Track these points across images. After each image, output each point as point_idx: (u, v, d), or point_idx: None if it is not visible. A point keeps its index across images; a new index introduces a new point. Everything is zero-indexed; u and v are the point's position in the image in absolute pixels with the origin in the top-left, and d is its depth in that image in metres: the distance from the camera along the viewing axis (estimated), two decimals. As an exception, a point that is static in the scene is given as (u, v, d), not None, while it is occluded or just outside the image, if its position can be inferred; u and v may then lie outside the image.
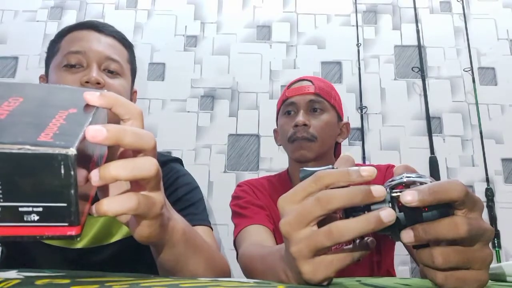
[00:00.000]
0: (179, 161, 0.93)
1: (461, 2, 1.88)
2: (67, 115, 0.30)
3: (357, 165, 0.37)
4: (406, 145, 1.73)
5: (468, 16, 1.89)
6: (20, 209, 0.27)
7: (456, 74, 1.82)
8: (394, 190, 0.34)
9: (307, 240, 0.34)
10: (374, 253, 0.94)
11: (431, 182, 0.34)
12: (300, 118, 0.97)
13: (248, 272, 0.73)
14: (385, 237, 0.36)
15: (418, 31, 1.86)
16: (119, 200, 0.33)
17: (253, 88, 1.82)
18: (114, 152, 0.38)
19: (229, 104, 1.80)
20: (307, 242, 0.34)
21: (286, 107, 1.02)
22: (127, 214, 0.40)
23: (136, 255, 0.76)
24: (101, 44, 0.80)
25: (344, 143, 1.31)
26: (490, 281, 0.44)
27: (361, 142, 1.71)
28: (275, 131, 1.11)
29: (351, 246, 0.36)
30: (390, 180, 0.35)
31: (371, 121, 1.77)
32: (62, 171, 0.26)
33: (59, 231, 0.28)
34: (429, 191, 0.32)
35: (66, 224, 0.28)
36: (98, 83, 0.76)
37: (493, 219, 1.59)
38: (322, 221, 0.34)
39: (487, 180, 1.65)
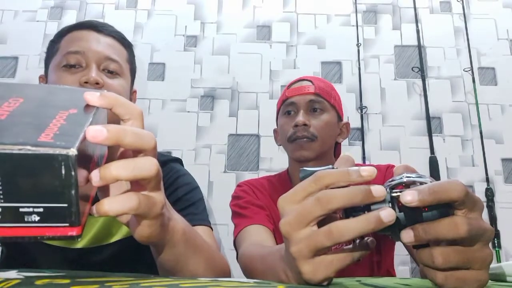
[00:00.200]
0: (179, 161, 0.93)
1: (461, 2, 1.88)
2: (67, 115, 0.30)
3: (357, 165, 0.37)
4: (406, 145, 1.73)
5: (468, 16, 1.89)
6: (21, 209, 0.27)
7: (456, 74, 1.82)
8: (394, 190, 0.34)
9: (307, 240, 0.34)
10: (374, 253, 0.94)
11: (431, 182, 0.34)
12: (300, 118, 0.97)
13: (248, 272, 0.73)
14: (385, 237, 0.36)
15: (418, 31, 1.86)
16: (120, 200, 0.33)
17: (253, 88, 1.82)
18: (114, 152, 0.38)
19: (229, 104, 1.80)
20: (307, 242, 0.34)
21: (286, 107, 1.02)
22: (128, 214, 0.40)
23: (136, 255, 0.76)
24: (100, 44, 0.80)
25: (344, 143, 1.31)
26: (490, 281, 0.44)
27: (361, 142, 1.71)
28: (275, 131, 1.11)
29: (351, 246, 0.36)
30: (390, 180, 0.35)
31: (371, 121, 1.77)
32: (63, 172, 0.26)
33: (60, 231, 0.28)
34: (429, 191, 0.32)
35: (67, 224, 0.28)
36: (97, 83, 0.76)
37: (493, 219, 1.59)
38: (322, 221, 0.34)
39: (487, 180, 1.65)
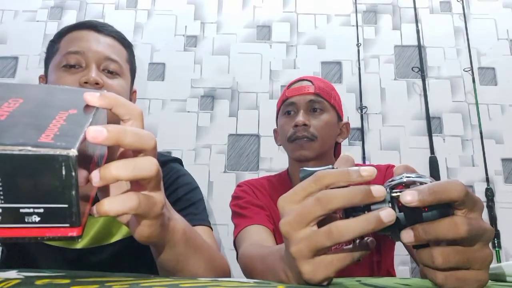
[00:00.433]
0: (179, 161, 0.93)
1: (461, 2, 1.88)
2: (67, 116, 0.30)
3: (357, 165, 0.37)
4: (406, 145, 1.73)
5: (468, 16, 1.89)
6: (21, 210, 0.27)
7: (456, 74, 1.82)
8: (394, 190, 0.34)
9: (307, 240, 0.34)
10: (374, 253, 0.94)
11: (431, 182, 0.34)
12: (300, 118, 0.97)
13: (248, 272, 0.73)
14: (385, 237, 0.36)
15: (418, 31, 1.86)
16: (120, 200, 0.33)
17: (253, 88, 1.82)
18: (114, 152, 0.38)
19: (229, 104, 1.80)
20: (307, 242, 0.34)
21: (286, 107, 1.02)
22: (128, 214, 0.40)
23: (136, 255, 0.76)
24: (100, 44, 0.80)
25: (344, 143, 1.31)
26: (490, 281, 0.44)
27: (361, 142, 1.71)
28: (275, 131, 1.11)
29: (351, 246, 0.36)
30: (390, 180, 0.35)
31: (371, 121, 1.77)
32: (63, 172, 0.26)
33: (60, 232, 0.28)
34: (429, 191, 0.32)
35: (67, 225, 0.28)
36: (97, 84, 0.76)
37: (493, 219, 1.59)
38: (322, 221, 0.34)
39: (487, 180, 1.65)
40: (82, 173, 0.28)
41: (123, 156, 0.37)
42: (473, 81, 1.77)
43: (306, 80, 1.03)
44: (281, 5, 1.96)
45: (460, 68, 1.82)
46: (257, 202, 0.97)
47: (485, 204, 1.61)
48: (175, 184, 0.83)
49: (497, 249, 1.54)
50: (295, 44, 1.90)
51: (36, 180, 0.26)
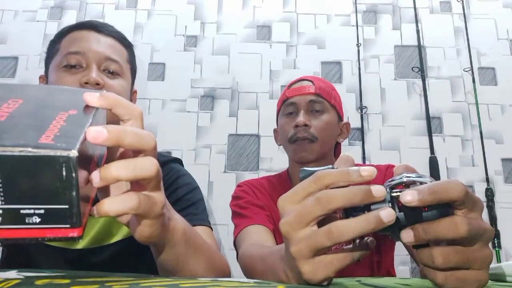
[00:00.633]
0: (179, 161, 0.93)
1: (461, 2, 1.88)
2: (67, 116, 0.30)
3: (357, 165, 0.37)
4: (406, 145, 1.73)
5: (468, 16, 1.89)
6: (22, 211, 0.27)
7: (456, 74, 1.82)
8: (394, 190, 0.34)
9: (307, 240, 0.34)
10: (374, 253, 0.94)
11: (431, 182, 0.34)
12: (301, 118, 0.97)
13: (248, 272, 0.73)
14: (385, 237, 0.36)
15: (418, 31, 1.86)
16: (120, 200, 0.33)
17: (253, 88, 1.82)
18: (114, 152, 0.38)
19: (229, 104, 1.80)
20: (307, 242, 0.34)
21: (286, 107, 1.02)
22: (128, 214, 0.40)
23: (136, 255, 0.76)
24: (100, 44, 0.80)
25: (344, 143, 1.31)
26: (490, 281, 0.44)
27: (361, 142, 1.71)
28: (275, 131, 1.11)
29: (351, 246, 0.36)
30: (390, 180, 0.36)
31: (371, 121, 1.77)
32: (64, 173, 0.26)
33: (61, 233, 0.28)
34: (429, 191, 0.32)
35: (68, 226, 0.28)
36: (98, 84, 0.75)
37: (493, 219, 1.59)
38: (322, 221, 0.34)
39: (487, 180, 1.65)
40: (82, 174, 0.28)
41: (123, 156, 0.37)
42: (473, 81, 1.77)
43: (307, 80, 1.03)
44: (281, 5, 1.96)
45: (460, 68, 1.82)
46: (257, 202, 0.97)
47: (485, 204, 1.61)
48: (175, 184, 0.83)
49: (497, 249, 1.54)
50: (295, 44, 1.90)
51: (36, 181, 0.26)
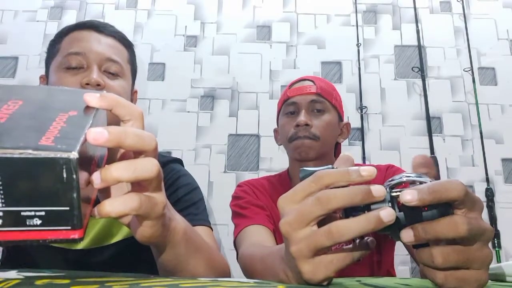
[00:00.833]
0: (179, 161, 0.93)
1: (461, 2, 1.89)
2: (67, 117, 0.30)
3: (356, 165, 0.37)
4: (406, 145, 1.73)
5: (468, 16, 1.89)
6: (22, 213, 0.27)
7: (456, 74, 1.82)
8: (394, 190, 0.34)
9: (307, 240, 0.34)
10: (374, 253, 0.94)
11: (430, 181, 0.34)
12: (302, 118, 0.96)
13: (248, 272, 0.73)
14: (385, 237, 0.36)
15: (418, 31, 1.86)
16: (121, 201, 0.33)
17: (253, 88, 1.82)
18: (115, 153, 0.38)
19: (229, 104, 1.80)
20: (307, 242, 0.34)
21: (287, 107, 1.02)
22: (129, 215, 0.40)
23: (136, 256, 0.76)
24: (101, 45, 0.80)
25: (344, 143, 1.31)
26: (490, 281, 0.44)
27: (361, 142, 1.71)
28: (275, 130, 1.11)
29: (351, 246, 0.36)
30: (390, 179, 0.36)
31: (371, 121, 1.77)
32: (65, 175, 0.26)
33: (62, 234, 0.28)
34: (428, 190, 0.32)
35: (69, 227, 0.28)
36: (99, 85, 0.75)
37: (493, 219, 1.59)
38: (322, 221, 0.34)
39: (487, 180, 1.65)
40: (83, 175, 0.28)
41: (124, 157, 0.37)
42: (473, 81, 1.77)
43: (308, 80, 1.03)
44: (281, 5, 1.96)
45: (460, 68, 1.82)
46: (257, 202, 0.97)
47: (485, 204, 1.61)
48: (176, 184, 0.83)
49: (497, 249, 1.54)
50: (295, 44, 1.90)
51: (37, 183, 0.26)
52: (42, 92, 0.35)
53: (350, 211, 0.34)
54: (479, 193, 1.62)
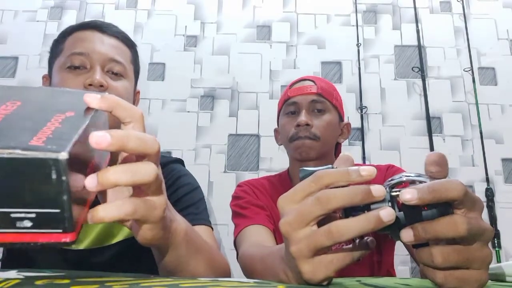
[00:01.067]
0: (180, 161, 0.93)
1: (461, 2, 1.89)
2: (63, 118, 0.29)
3: (356, 165, 0.37)
4: (406, 145, 1.73)
5: (468, 16, 1.89)
6: (12, 215, 0.26)
7: (456, 74, 1.82)
8: (393, 190, 0.34)
9: (307, 239, 0.34)
10: (374, 253, 0.94)
11: (430, 181, 0.34)
12: (303, 118, 0.96)
13: (248, 272, 0.73)
14: (385, 236, 0.36)
15: (418, 31, 1.86)
16: (116, 207, 0.33)
17: (253, 88, 1.82)
18: (117, 155, 0.38)
19: (229, 104, 1.80)
20: (307, 242, 0.34)
21: (288, 106, 1.02)
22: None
23: (137, 256, 0.76)
24: (104, 45, 0.80)
25: (344, 143, 1.31)
26: (490, 281, 0.44)
27: (361, 142, 1.71)
28: (275, 130, 1.11)
29: (351, 245, 0.36)
30: (390, 179, 0.36)
31: (371, 121, 1.77)
32: (54, 176, 0.25)
33: (53, 237, 0.27)
34: (428, 189, 0.32)
35: (60, 230, 0.27)
36: (102, 86, 0.75)
37: (493, 219, 1.59)
38: (322, 221, 0.34)
39: (487, 180, 1.65)
40: (77, 177, 0.27)
41: (126, 159, 0.37)
42: (473, 81, 1.77)
43: (308, 80, 1.03)
44: (281, 5, 1.96)
45: (460, 68, 1.82)
46: (258, 202, 0.97)
47: (485, 204, 1.61)
48: (176, 184, 0.83)
49: (497, 249, 1.53)
50: (295, 44, 1.90)
51: (26, 184, 0.25)
52: (42, 93, 0.34)
53: (350, 211, 0.34)
54: (479, 193, 1.62)
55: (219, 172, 1.71)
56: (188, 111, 1.79)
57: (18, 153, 0.25)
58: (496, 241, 1.55)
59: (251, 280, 0.37)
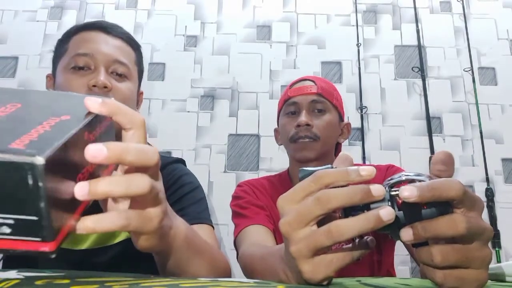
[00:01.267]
0: (182, 161, 0.93)
1: (461, 2, 1.88)
2: (57, 122, 0.29)
3: (356, 165, 0.37)
4: (406, 145, 1.73)
5: (468, 16, 1.89)
6: None
7: (456, 74, 1.82)
8: (393, 189, 0.34)
9: (306, 239, 0.34)
10: (374, 253, 0.94)
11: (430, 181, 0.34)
12: (303, 118, 0.97)
13: (248, 272, 0.73)
14: (385, 236, 0.36)
15: (418, 31, 1.86)
16: (108, 219, 0.32)
17: (253, 88, 1.82)
18: None
19: (229, 104, 1.80)
20: (306, 242, 0.34)
21: (288, 107, 1.02)
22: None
23: (139, 255, 0.75)
24: (108, 46, 0.80)
25: (344, 143, 1.31)
26: (489, 281, 0.44)
27: (361, 142, 1.71)
28: (275, 130, 1.11)
29: (350, 245, 0.36)
30: (389, 178, 0.36)
31: (371, 121, 1.77)
32: (30, 182, 0.24)
33: (31, 246, 0.26)
34: (427, 187, 0.32)
35: (39, 239, 0.26)
36: (105, 87, 0.75)
37: (493, 219, 1.59)
38: (322, 221, 0.34)
39: (487, 180, 1.65)
40: (62, 183, 0.26)
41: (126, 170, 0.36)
42: (473, 81, 1.77)
43: (309, 80, 1.03)
44: (281, 5, 1.96)
45: (460, 68, 1.82)
46: (258, 202, 0.97)
47: (485, 204, 1.61)
48: (178, 183, 0.83)
49: (497, 249, 1.53)
50: (295, 44, 1.90)
51: (4, 189, 0.24)
52: (45, 97, 0.34)
53: (349, 211, 0.34)
54: (479, 193, 1.62)
55: (219, 172, 1.71)
56: (188, 111, 1.79)
57: None
58: (496, 241, 1.55)
59: (251, 280, 0.37)
